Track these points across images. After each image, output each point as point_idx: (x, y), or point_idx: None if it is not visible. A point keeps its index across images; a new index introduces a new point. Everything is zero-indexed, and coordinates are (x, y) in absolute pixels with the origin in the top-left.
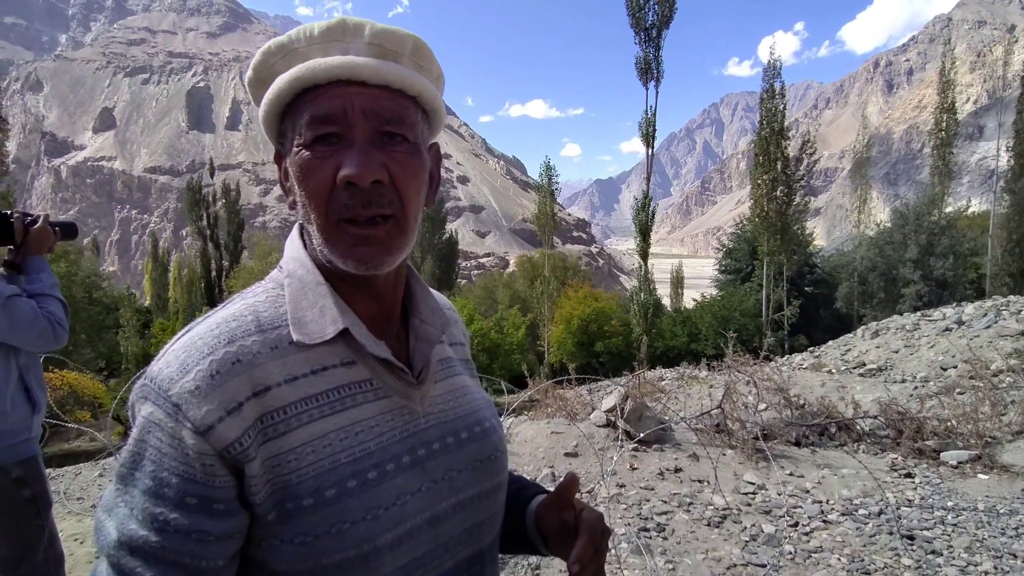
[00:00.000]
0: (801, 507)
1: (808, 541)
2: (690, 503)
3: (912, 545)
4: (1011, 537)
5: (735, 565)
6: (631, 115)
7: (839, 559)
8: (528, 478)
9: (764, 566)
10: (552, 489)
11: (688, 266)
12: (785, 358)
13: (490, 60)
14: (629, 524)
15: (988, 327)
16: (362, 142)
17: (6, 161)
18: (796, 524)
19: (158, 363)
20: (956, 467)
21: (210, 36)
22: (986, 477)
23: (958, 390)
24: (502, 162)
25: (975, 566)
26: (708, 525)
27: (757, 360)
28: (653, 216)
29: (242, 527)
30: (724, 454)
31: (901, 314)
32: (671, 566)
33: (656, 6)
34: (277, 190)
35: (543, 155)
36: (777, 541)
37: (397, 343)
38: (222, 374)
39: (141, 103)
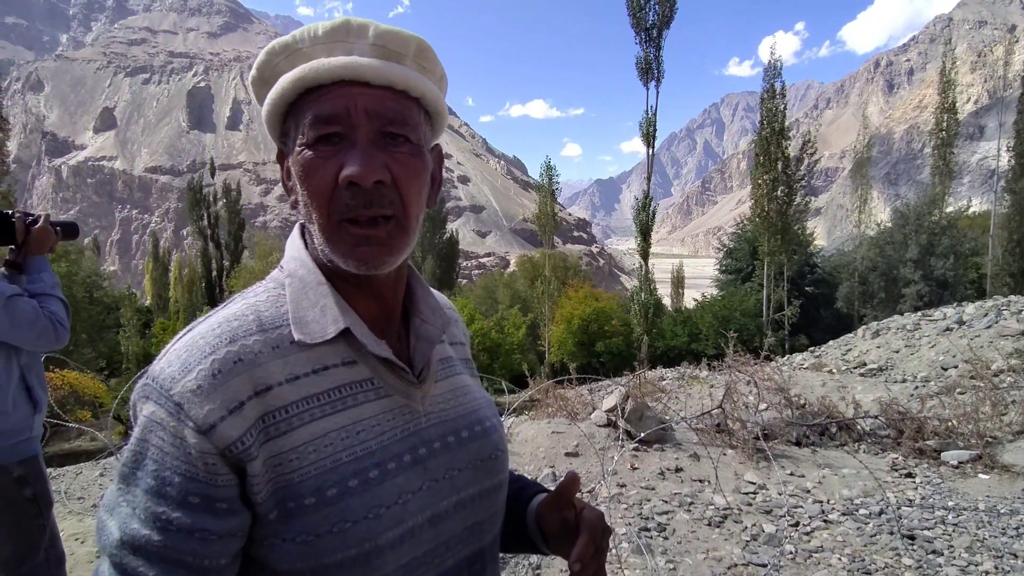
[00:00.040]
0: (802, 507)
1: (809, 541)
2: (691, 503)
3: (913, 545)
4: (1012, 537)
5: (736, 565)
6: (632, 115)
7: (840, 559)
8: (529, 478)
9: (765, 566)
10: (553, 489)
11: (689, 266)
12: (786, 358)
13: (490, 60)
14: (630, 524)
15: (989, 327)
16: (365, 142)
17: (7, 161)
18: (797, 524)
19: (160, 363)
20: (957, 467)
21: (211, 36)
22: (987, 477)
23: (959, 390)
24: (503, 162)
25: (976, 566)
26: (709, 525)
27: (758, 360)
28: (654, 216)
29: (244, 526)
30: (725, 454)
31: (902, 314)
32: (672, 566)
33: (657, 6)
34: (278, 190)
35: (544, 155)
36: (778, 541)
37: (398, 343)
38: (224, 373)
39: (142, 103)
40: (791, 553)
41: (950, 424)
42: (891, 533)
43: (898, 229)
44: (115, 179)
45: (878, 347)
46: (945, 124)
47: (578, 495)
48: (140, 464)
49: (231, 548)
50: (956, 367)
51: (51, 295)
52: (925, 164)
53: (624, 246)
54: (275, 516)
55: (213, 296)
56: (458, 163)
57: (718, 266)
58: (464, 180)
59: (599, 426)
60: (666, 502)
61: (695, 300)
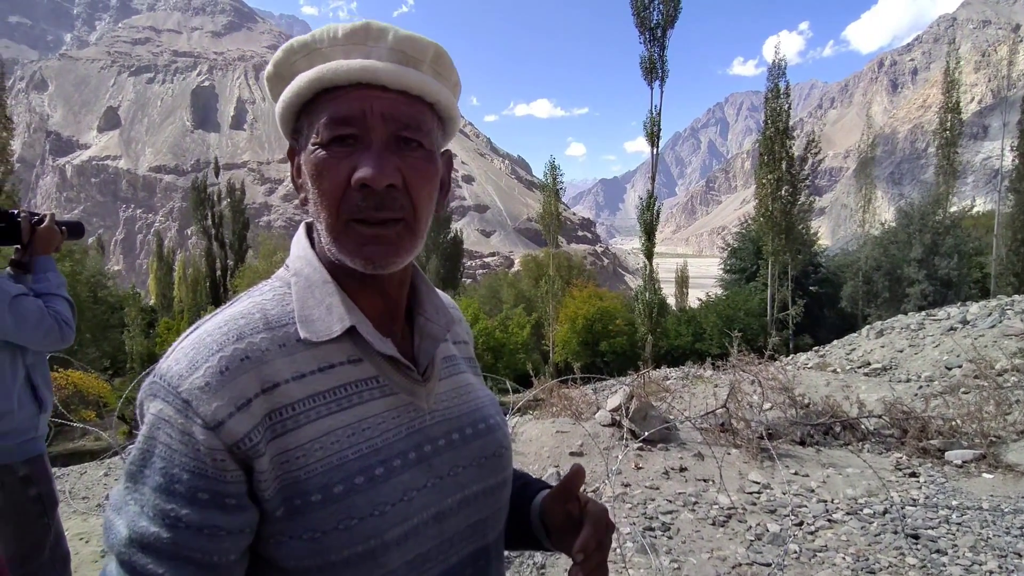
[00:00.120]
0: (806, 506)
1: (813, 540)
2: (695, 502)
3: (917, 544)
4: (1016, 536)
5: (740, 564)
6: (636, 114)
7: (844, 558)
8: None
9: (769, 565)
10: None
11: (693, 265)
12: (790, 357)
13: (495, 59)
14: (634, 523)
15: (993, 326)
16: (379, 146)
17: (11, 160)
18: (801, 523)
19: (167, 360)
20: (961, 466)
21: (215, 35)
22: (991, 476)
23: (963, 389)
24: (507, 161)
25: (980, 565)
26: (713, 524)
27: (762, 359)
28: (658, 215)
29: (253, 522)
30: (729, 453)
31: (906, 313)
32: (676, 565)
33: (661, 6)
34: (282, 189)
35: (548, 154)
36: (782, 540)
37: (402, 341)
38: (231, 370)
39: (146, 102)
40: (795, 552)
41: (954, 424)
42: (895, 532)
43: (902, 229)
44: (119, 178)
45: (882, 347)
46: (949, 124)
47: (583, 490)
48: (148, 462)
49: (240, 545)
50: (960, 367)
51: (57, 295)
52: (929, 164)
53: (628, 246)
54: (282, 513)
55: (217, 296)
56: (462, 163)
57: (722, 266)
58: (468, 179)
59: (603, 426)
60: (670, 501)
61: (699, 300)
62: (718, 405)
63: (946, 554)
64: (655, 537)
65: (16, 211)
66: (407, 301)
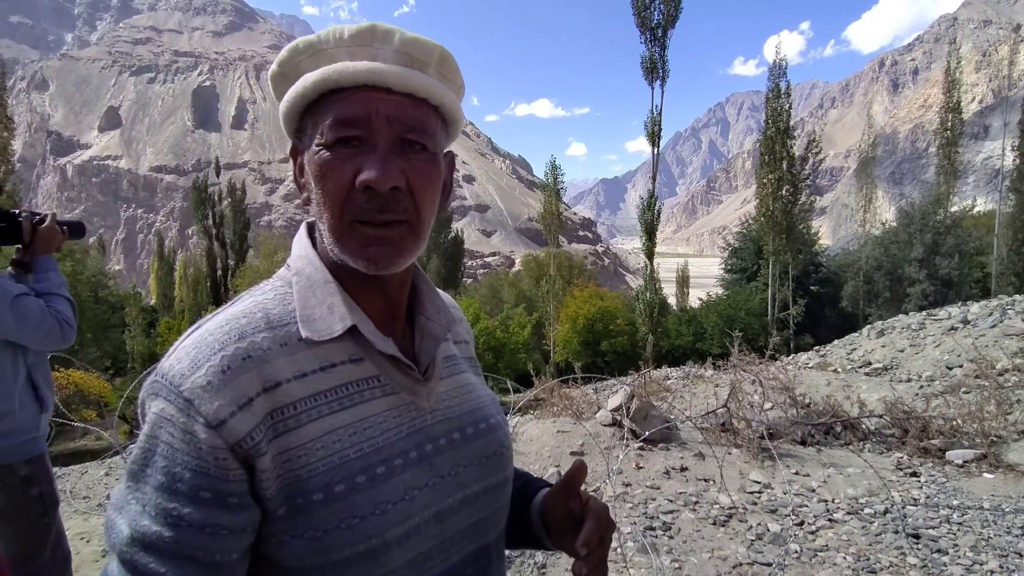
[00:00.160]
0: (807, 506)
1: (814, 540)
2: (696, 502)
3: (918, 544)
4: (1016, 536)
5: (741, 564)
6: (637, 114)
7: (845, 558)
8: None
9: (770, 565)
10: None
11: (694, 265)
12: (790, 357)
13: (496, 59)
14: (635, 523)
15: (994, 326)
16: (383, 148)
17: (12, 160)
18: (802, 523)
19: (169, 360)
20: (962, 466)
21: (216, 35)
22: (991, 476)
23: (963, 389)
24: (508, 161)
25: (980, 565)
26: (714, 524)
27: (763, 359)
28: (659, 215)
29: (255, 521)
30: (730, 453)
31: (907, 313)
32: (677, 565)
33: (662, 5)
34: (283, 189)
35: (549, 154)
36: (783, 540)
37: (403, 340)
38: (233, 369)
39: (147, 102)
40: (796, 552)
41: (955, 423)
42: (896, 532)
43: (903, 228)
44: (120, 178)
45: (883, 346)
46: (950, 123)
47: (584, 488)
48: (150, 461)
49: (242, 544)
50: (961, 366)
51: (58, 294)
52: (930, 163)
53: (629, 245)
54: (283, 512)
55: (218, 295)
56: (463, 162)
57: (723, 265)
58: (469, 179)
59: (604, 425)
60: (671, 501)
61: (700, 299)
62: (719, 405)
63: (947, 554)
64: (656, 537)
65: (17, 211)
66: (408, 301)
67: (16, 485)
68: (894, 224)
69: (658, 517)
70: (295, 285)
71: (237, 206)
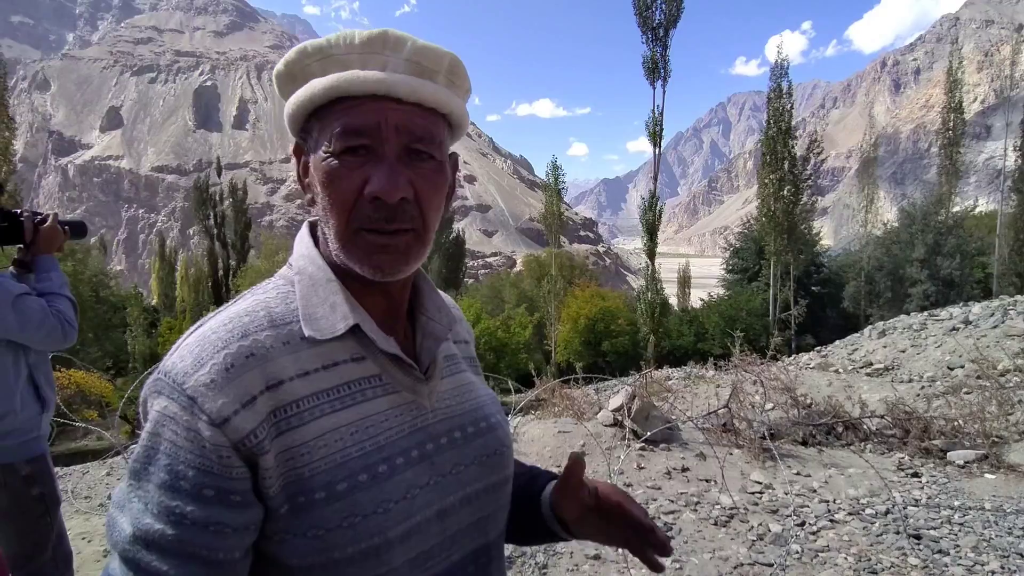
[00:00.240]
0: (808, 506)
1: (815, 540)
2: (697, 502)
3: (919, 544)
4: (1018, 536)
5: (742, 564)
6: (638, 114)
7: (846, 558)
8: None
9: (771, 565)
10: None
11: (695, 265)
12: (792, 358)
13: (497, 59)
14: None
15: (995, 327)
16: (392, 158)
17: (13, 160)
18: (803, 523)
19: (171, 358)
20: (963, 466)
21: (217, 35)
22: (993, 477)
23: (965, 390)
24: (509, 161)
25: (982, 565)
26: (715, 524)
27: (764, 359)
28: (660, 215)
29: (258, 519)
30: (731, 453)
31: (908, 314)
32: (678, 565)
33: (663, 5)
34: (284, 189)
35: (550, 154)
36: (784, 540)
37: (404, 340)
38: (236, 367)
39: (148, 102)
40: (797, 552)
41: (956, 424)
42: (897, 532)
43: (904, 229)
44: (121, 178)
45: (884, 347)
46: (952, 124)
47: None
48: (152, 459)
49: (245, 542)
50: (962, 367)
51: (60, 294)
52: (932, 164)
53: (630, 245)
54: (286, 511)
55: (219, 295)
56: (465, 162)
57: (724, 266)
58: (471, 179)
59: (605, 426)
60: (672, 501)
61: (701, 300)
62: (720, 405)
63: (948, 554)
64: None
65: (19, 211)
66: (409, 300)
67: (17, 485)
68: (896, 224)
69: (659, 517)
70: (297, 284)
71: (238, 206)
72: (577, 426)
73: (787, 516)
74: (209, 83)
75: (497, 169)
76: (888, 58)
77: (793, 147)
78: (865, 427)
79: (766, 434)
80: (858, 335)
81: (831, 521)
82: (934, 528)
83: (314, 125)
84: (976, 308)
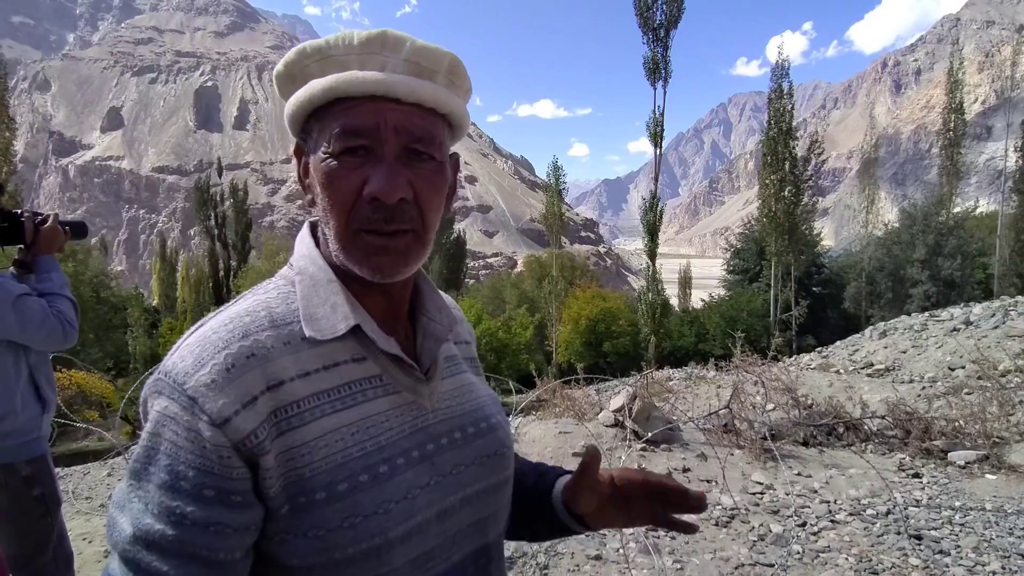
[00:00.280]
0: (809, 507)
1: (816, 541)
2: None
3: (920, 545)
4: (1019, 537)
5: (743, 565)
6: (639, 115)
7: (847, 559)
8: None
9: (772, 566)
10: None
11: (696, 266)
12: (793, 358)
13: (498, 60)
14: None
15: (996, 327)
16: (391, 159)
17: (14, 160)
18: (804, 524)
19: (172, 358)
20: (964, 467)
21: (217, 35)
22: (994, 477)
23: (966, 390)
24: (510, 162)
25: (983, 566)
26: (716, 525)
27: (765, 360)
28: (661, 216)
29: (258, 520)
30: (732, 454)
31: (909, 314)
32: (679, 565)
33: (664, 6)
34: (285, 190)
35: (551, 155)
36: (785, 541)
37: (405, 341)
38: (237, 367)
39: (149, 102)
40: (798, 553)
41: (957, 424)
42: (898, 533)
43: (905, 229)
44: (122, 179)
45: (885, 347)
46: (952, 124)
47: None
48: (153, 459)
49: (245, 542)
50: (963, 367)
51: (60, 295)
52: (932, 164)
53: (631, 246)
54: (286, 511)
55: (220, 296)
56: (465, 163)
57: (725, 266)
58: (472, 180)
59: (606, 426)
60: None
61: (702, 300)
62: (721, 406)
63: (949, 555)
64: (658, 538)
65: (20, 211)
66: (409, 301)
67: (18, 485)
68: (896, 225)
69: None
70: (298, 284)
71: (239, 207)
72: (578, 427)
73: (788, 517)
74: (210, 83)
75: (498, 170)
76: (889, 59)
77: (794, 148)
78: (866, 428)
79: (767, 435)
80: (859, 336)
81: (832, 522)
82: (935, 529)
83: (314, 126)
84: (977, 309)
